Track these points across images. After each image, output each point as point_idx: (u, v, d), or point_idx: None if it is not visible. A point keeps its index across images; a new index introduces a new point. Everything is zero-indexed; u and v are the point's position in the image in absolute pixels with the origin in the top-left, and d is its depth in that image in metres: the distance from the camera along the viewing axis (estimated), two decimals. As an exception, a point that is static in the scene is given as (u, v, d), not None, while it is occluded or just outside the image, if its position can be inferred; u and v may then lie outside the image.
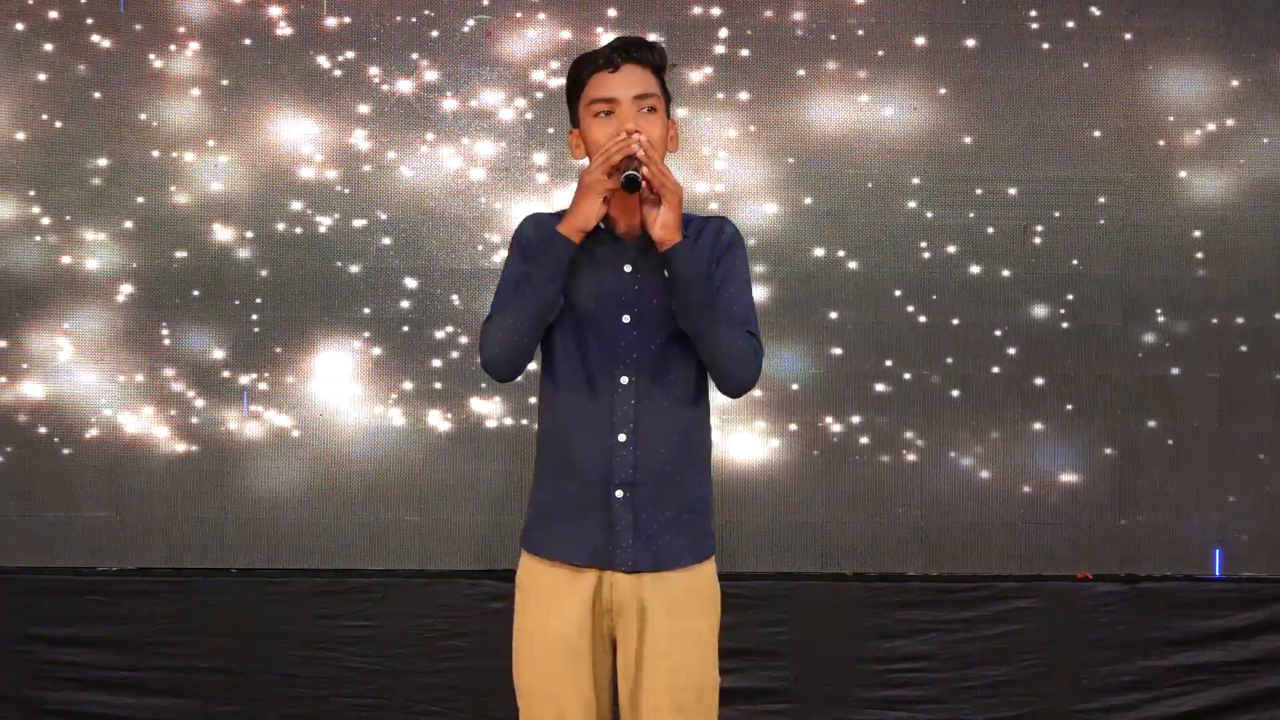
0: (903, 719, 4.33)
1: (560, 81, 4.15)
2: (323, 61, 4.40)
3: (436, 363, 4.41)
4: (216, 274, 4.41)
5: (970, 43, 4.42)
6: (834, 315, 4.43)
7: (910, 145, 4.42)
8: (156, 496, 4.41)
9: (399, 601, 4.33)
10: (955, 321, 4.43)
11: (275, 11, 4.39)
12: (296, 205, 4.40)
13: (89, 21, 4.39)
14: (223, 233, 4.40)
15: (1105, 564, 4.43)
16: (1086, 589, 4.38)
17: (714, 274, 2.69)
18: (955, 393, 4.43)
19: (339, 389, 4.42)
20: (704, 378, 2.74)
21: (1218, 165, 4.44)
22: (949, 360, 4.43)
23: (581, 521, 2.68)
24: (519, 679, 2.73)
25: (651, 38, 4.23)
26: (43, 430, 4.42)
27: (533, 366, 2.74)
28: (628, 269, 2.69)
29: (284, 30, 4.40)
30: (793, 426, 4.43)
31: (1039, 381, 4.44)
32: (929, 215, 4.41)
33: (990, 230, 4.42)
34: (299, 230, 4.40)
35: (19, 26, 4.39)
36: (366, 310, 4.41)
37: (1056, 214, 4.42)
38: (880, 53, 4.41)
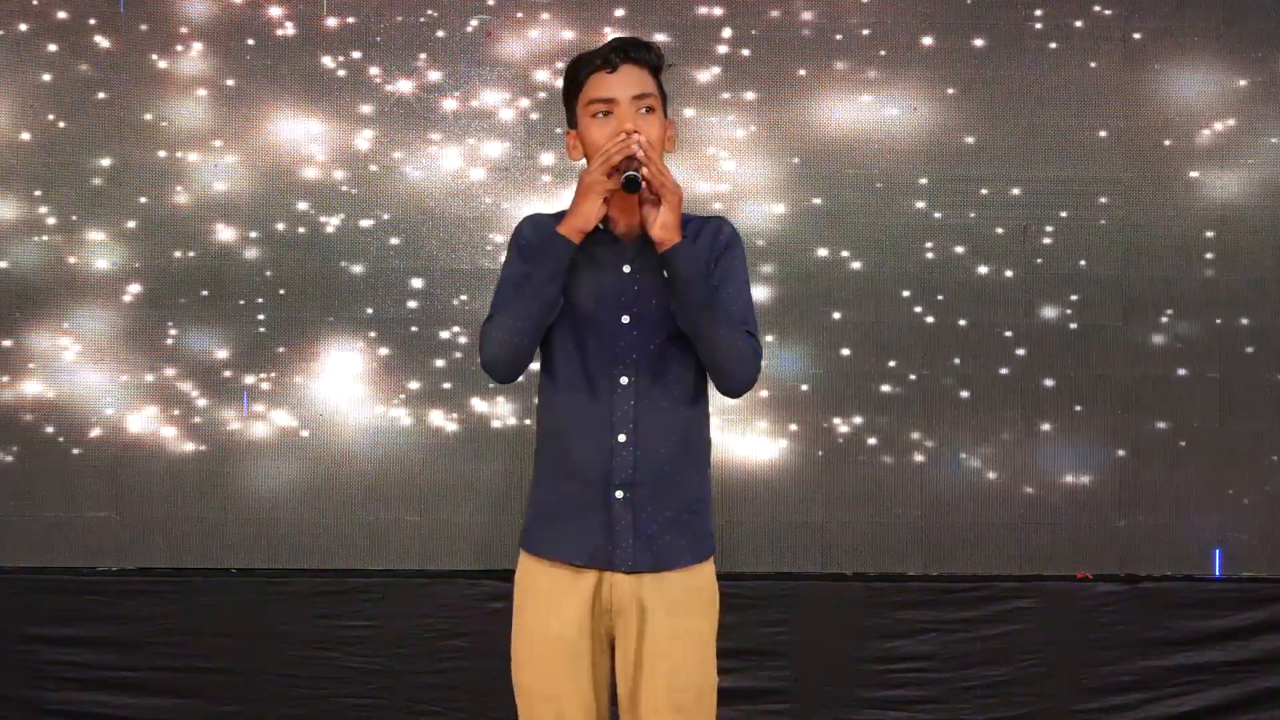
0: (903, 719, 4.33)
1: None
2: (327, 62, 4.40)
3: (438, 363, 4.42)
4: (217, 274, 4.41)
5: (974, 43, 4.42)
6: (836, 315, 4.43)
7: (914, 146, 4.42)
8: (156, 496, 4.41)
9: (399, 601, 4.33)
10: (961, 322, 4.43)
11: (277, 12, 4.39)
12: (302, 205, 4.41)
13: (91, 22, 4.39)
14: (226, 232, 4.41)
15: (1105, 564, 4.43)
16: (1086, 589, 4.38)
17: (712, 274, 2.69)
18: (955, 393, 4.43)
19: (340, 389, 4.42)
20: (703, 378, 2.73)
21: (1218, 165, 4.44)
22: (951, 361, 4.43)
23: (581, 522, 2.68)
24: (518, 679, 2.72)
25: (657, 37, 4.27)
26: (49, 430, 4.42)
27: (533, 367, 2.74)
28: (627, 269, 2.69)
29: (287, 30, 4.40)
30: (793, 426, 4.43)
31: (1039, 382, 4.44)
32: (937, 216, 4.41)
33: (999, 230, 4.42)
34: (301, 230, 4.40)
35: (22, 27, 4.40)
36: (369, 310, 4.41)
37: (1063, 214, 4.42)
38: (882, 52, 4.41)
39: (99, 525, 4.41)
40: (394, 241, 4.40)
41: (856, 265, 4.43)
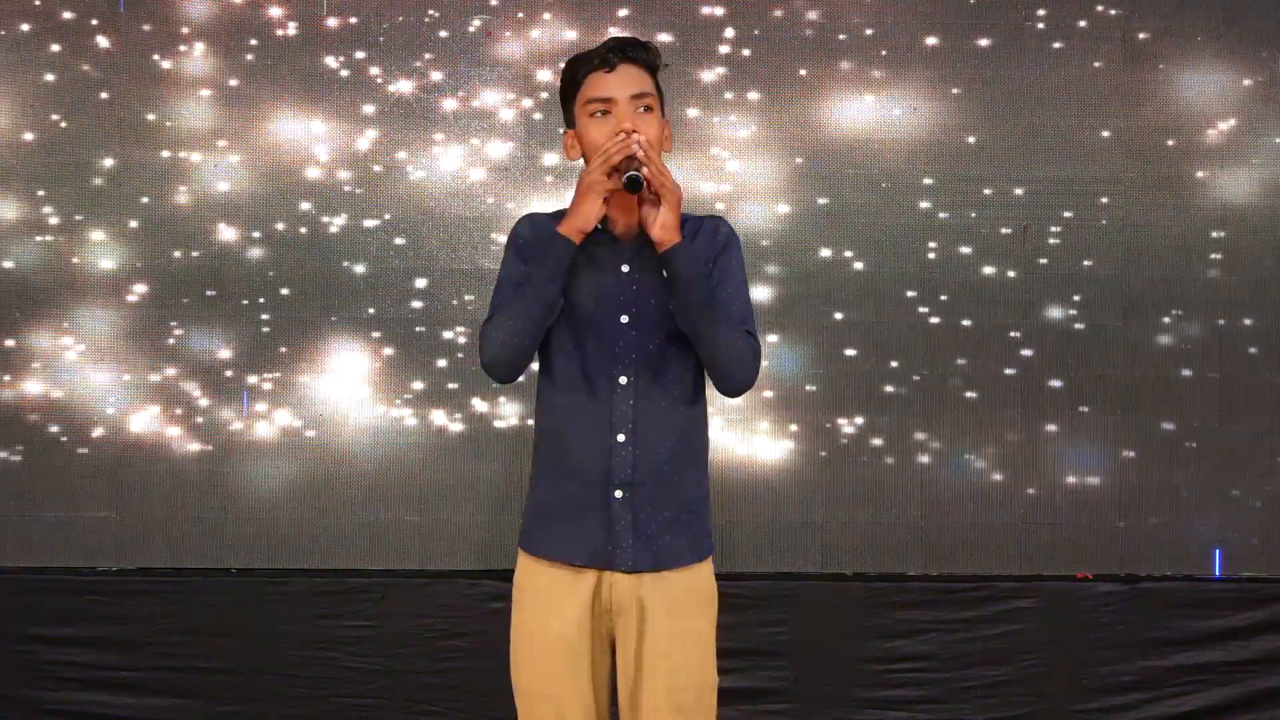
0: (903, 719, 4.33)
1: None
2: (328, 62, 4.40)
3: (439, 363, 4.42)
4: (219, 274, 4.41)
5: (976, 43, 4.42)
6: (838, 315, 4.43)
7: (918, 145, 4.42)
8: (156, 496, 4.41)
9: (399, 601, 4.33)
10: (964, 323, 4.42)
11: (277, 12, 4.40)
12: (304, 205, 4.41)
13: (93, 22, 4.40)
14: (228, 232, 4.41)
15: (1105, 564, 4.43)
16: (1086, 589, 4.38)
17: (711, 273, 2.69)
18: (956, 393, 4.43)
19: (340, 389, 4.42)
20: (702, 377, 2.74)
21: (1219, 165, 4.44)
22: (953, 361, 4.43)
23: (581, 522, 2.67)
24: (517, 680, 2.72)
25: (660, 37, 4.27)
26: (54, 429, 4.42)
27: (532, 367, 2.75)
28: (625, 269, 2.69)
29: (288, 31, 4.40)
30: (794, 426, 4.43)
31: (1040, 383, 4.43)
32: (942, 216, 4.41)
33: (1004, 230, 4.42)
34: (303, 230, 4.40)
35: (24, 27, 4.40)
36: (371, 310, 4.41)
37: (1067, 214, 4.42)
38: (883, 52, 4.41)
39: (99, 525, 4.41)
40: (399, 241, 4.41)
41: (859, 265, 4.43)
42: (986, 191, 4.42)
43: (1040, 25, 4.43)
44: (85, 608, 4.33)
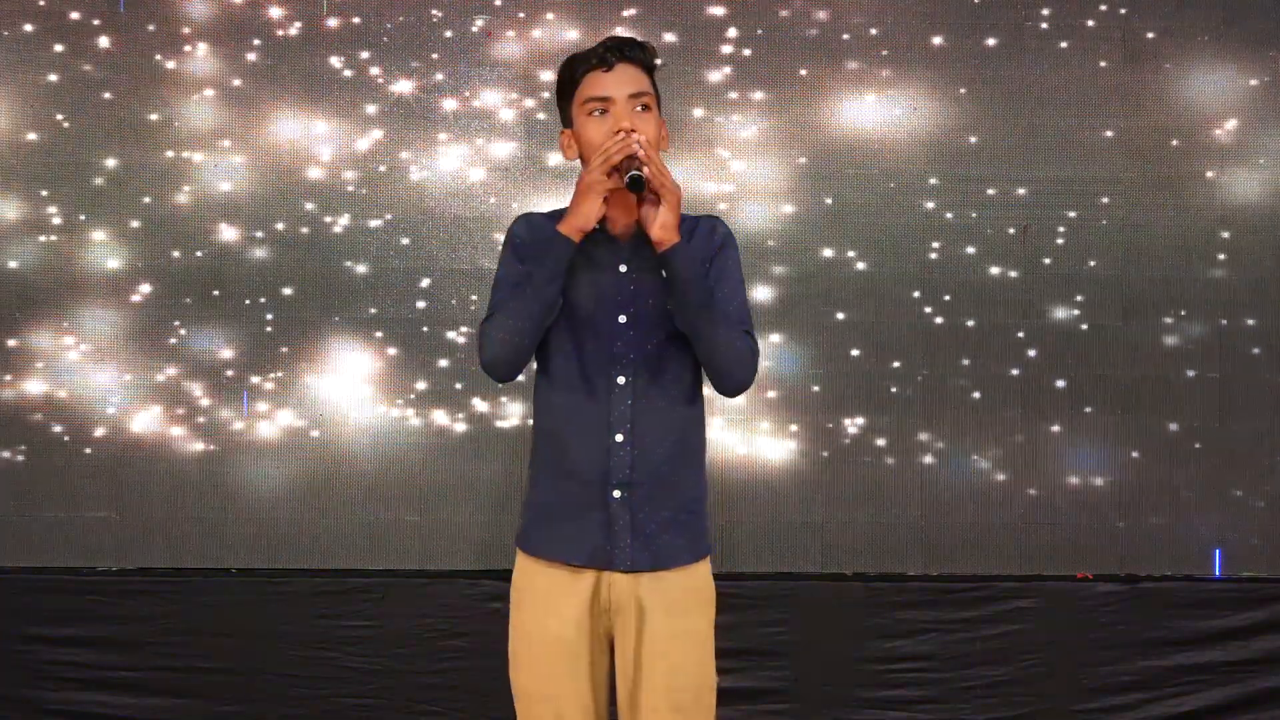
0: (903, 719, 4.33)
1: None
2: (331, 62, 4.41)
3: (440, 363, 4.42)
4: (221, 274, 4.41)
5: (979, 43, 4.42)
6: (841, 315, 4.43)
7: (921, 146, 4.42)
8: (157, 496, 4.42)
9: (399, 601, 4.33)
10: (969, 323, 4.42)
11: (278, 12, 4.40)
12: (308, 205, 4.41)
13: (95, 22, 4.40)
14: (229, 232, 4.41)
15: (1105, 564, 4.43)
16: (1086, 589, 4.38)
17: (708, 273, 2.69)
18: (958, 393, 4.42)
19: (341, 389, 4.42)
20: (700, 377, 2.73)
21: (1220, 165, 4.44)
22: (956, 361, 4.43)
23: (580, 522, 2.67)
24: (516, 680, 2.72)
25: (665, 38, 4.27)
26: (57, 429, 4.42)
27: (531, 366, 2.75)
28: (623, 269, 2.69)
29: (290, 31, 4.41)
30: (795, 426, 4.43)
31: (1041, 383, 4.43)
32: (948, 216, 4.41)
33: (1010, 230, 4.42)
34: (305, 230, 4.41)
35: (27, 27, 4.41)
36: (372, 310, 4.42)
37: (1071, 214, 4.42)
38: (884, 52, 4.41)
39: (99, 525, 4.41)
40: (401, 241, 4.41)
41: (861, 265, 4.43)
42: (989, 191, 4.42)
43: (1043, 25, 4.43)
44: (85, 608, 4.34)
